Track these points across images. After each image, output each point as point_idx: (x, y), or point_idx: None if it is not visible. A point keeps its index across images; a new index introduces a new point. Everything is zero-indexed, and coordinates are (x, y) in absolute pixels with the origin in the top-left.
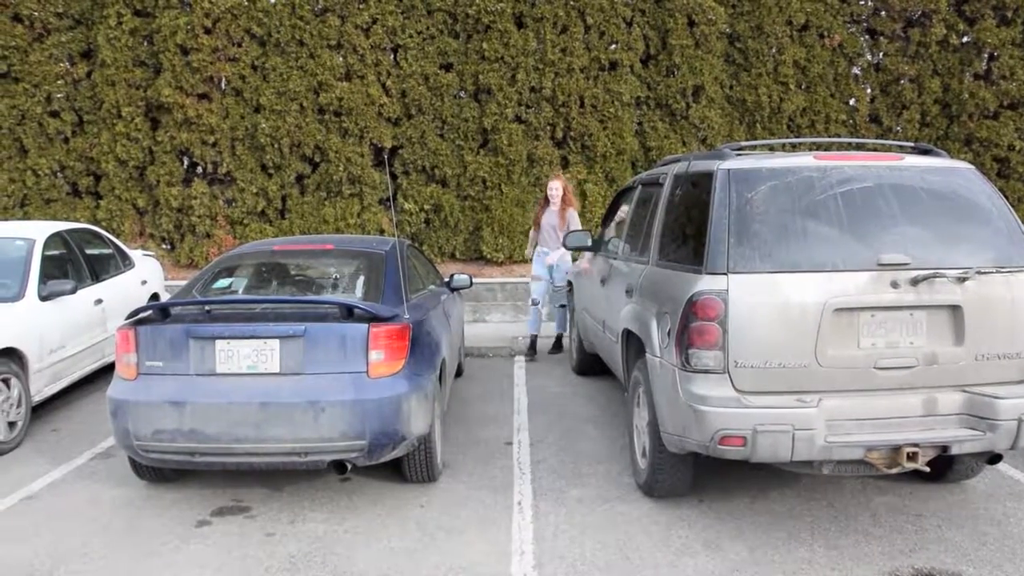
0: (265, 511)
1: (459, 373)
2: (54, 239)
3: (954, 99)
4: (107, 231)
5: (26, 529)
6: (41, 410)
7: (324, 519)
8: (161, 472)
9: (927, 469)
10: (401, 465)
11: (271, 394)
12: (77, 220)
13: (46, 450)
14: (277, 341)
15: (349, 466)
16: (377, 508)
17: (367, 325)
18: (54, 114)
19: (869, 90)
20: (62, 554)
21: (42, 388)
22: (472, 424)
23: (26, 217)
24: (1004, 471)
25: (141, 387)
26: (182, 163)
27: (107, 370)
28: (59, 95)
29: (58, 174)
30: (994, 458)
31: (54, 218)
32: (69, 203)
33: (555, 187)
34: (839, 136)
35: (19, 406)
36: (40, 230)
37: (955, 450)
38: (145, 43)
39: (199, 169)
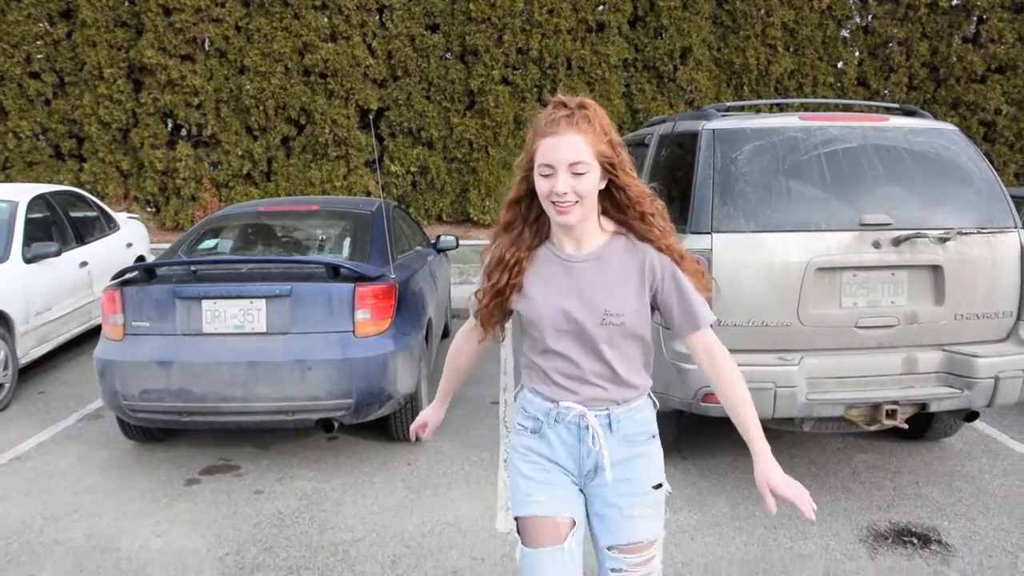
0: (254, 470)
1: (445, 334)
2: (37, 201)
3: (942, 62)
4: (91, 194)
5: (16, 489)
6: (28, 372)
7: (312, 477)
8: (149, 432)
9: (906, 426)
10: (388, 424)
11: (258, 353)
12: (60, 183)
13: (34, 412)
14: (263, 301)
15: (336, 425)
16: (364, 466)
17: (353, 285)
18: (34, 75)
19: (857, 53)
20: (53, 513)
21: (28, 350)
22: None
23: (8, 180)
24: (981, 429)
25: (128, 347)
26: (166, 125)
27: (93, 333)
28: (39, 56)
29: (40, 136)
30: (971, 415)
31: (37, 181)
32: (52, 166)
33: (575, 147)
34: (827, 99)
35: (6, 368)
36: (23, 192)
37: (933, 407)
38: (126, 3)
39: (183, 131)
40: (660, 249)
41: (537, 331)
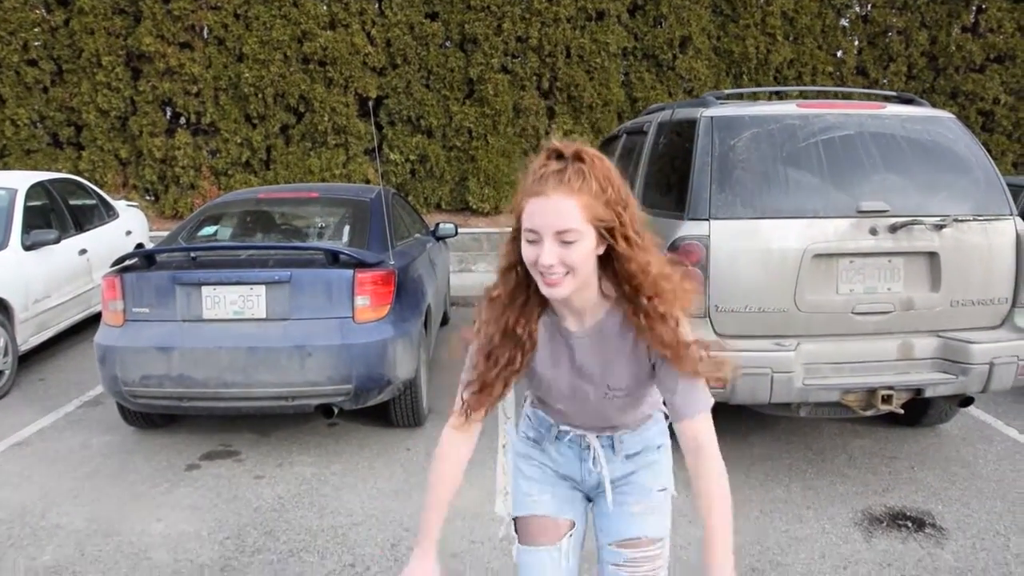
0: (254, 455)
1: (445, 321)
2: (36, 189)
3: (941, 52)
4: (90, 182)
5: (17, 474)
6: (28, 360)
7: (312, 462)
8: (149, 418)
9: (901, 411)
10: (387, 410)
11: (258, 339)
12: (59, 171)
13: (34, 399)
14: (263, 287)
15: (336, 410)
16: (364, 452)
17: (353, 271)
18: (32, 63)
19: (856, 42)
20: (54, 497)
21: (28, 338)
22: (458, 371)
23: (6, 168)
24: (976, 415)
25: (128, 333)
26: (165, 113)
27: (93, 320)
28: (36, 43)
29: (38, 124)
30: (966, 401)
31: (35, 169)
32: (50, 154)
33: (564, 212)
34: (825, 87)
35: (5, 355)
36: (22, 180)
37: (929, 393)
38: None
39: (182, 119)
40: (650, 343)
41: (539, 393)
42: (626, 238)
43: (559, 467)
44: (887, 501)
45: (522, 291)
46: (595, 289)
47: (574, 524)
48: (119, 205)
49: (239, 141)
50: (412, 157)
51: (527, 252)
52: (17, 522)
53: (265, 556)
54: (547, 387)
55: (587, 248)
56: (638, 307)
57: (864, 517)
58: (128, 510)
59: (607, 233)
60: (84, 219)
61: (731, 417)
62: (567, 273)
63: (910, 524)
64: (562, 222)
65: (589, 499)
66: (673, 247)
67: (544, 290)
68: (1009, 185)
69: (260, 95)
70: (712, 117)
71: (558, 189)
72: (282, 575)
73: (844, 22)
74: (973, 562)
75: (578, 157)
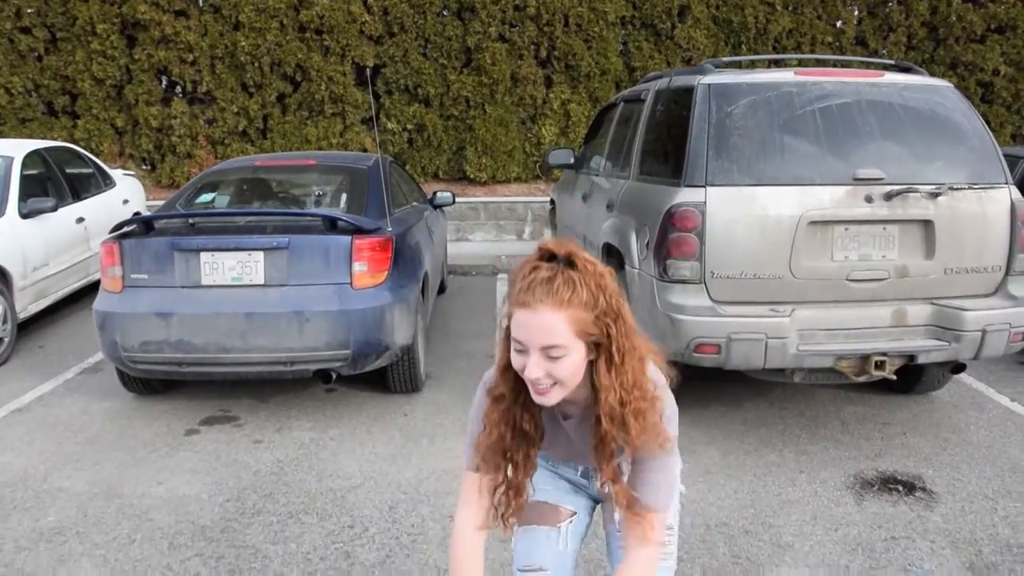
0: (252, 420)
1: (442, 290)
2: (33, 157)
3: (941, 22)
4: (86, 151)
5: (19, 439)
6: (27, 327)
7: (310, 427)
8: (149, 384)
9: (894, 377)
10: (385, 376)
11: (256, 305)
12: (54, 140)
13: (34, 366)
14: (261, 253)
15: (334, 376)
16: (362, 417)
17: (350, 237)
18: (25, 30)
19: (856, 12)
20: (55, 462)
21: (27, 305)
22: (455, 338)
23: (1, 136)
24: (969, 383)
25: (127, 299)
26: (161, 82)
27: (91, 288)
28: (29, 10)
29: (32, 93)
30: (958, 368)
31: (31, 138)
32: (45, 123)
33: (550, 329)
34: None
35: (5, 322)
36: (18, 148)
37: (922, 359)
38: None
39: (178, 88)
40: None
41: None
42: (609, 358)
43: (567, 478)
44: (879, 465)
45: (522, 387)
46: (588, 387)
47: (576, 514)
48: (116, 174)
49: (236, 110)
50: (409, 126)
51: (515, 360)
52: (20, 485)
53: (265, 518)
54: (547, 450)
55: (575, 361)
56: (593, 413)
57: (856, 481)
58: (129, 474)
59: (594, 347)
60: (81, 187)
61: (726, 383)
62: (554, 384)
63: (901, 488)
64: (548, 338)
65: (596, 501)
66: (669, 214)
67: (534, 397)
68: (1008, 156)
69: (256, 64)
70: (710, 85)
71: (545, 301)
72: (282, 536)
73: None
74: (962, 524)
75: (570, 261)
